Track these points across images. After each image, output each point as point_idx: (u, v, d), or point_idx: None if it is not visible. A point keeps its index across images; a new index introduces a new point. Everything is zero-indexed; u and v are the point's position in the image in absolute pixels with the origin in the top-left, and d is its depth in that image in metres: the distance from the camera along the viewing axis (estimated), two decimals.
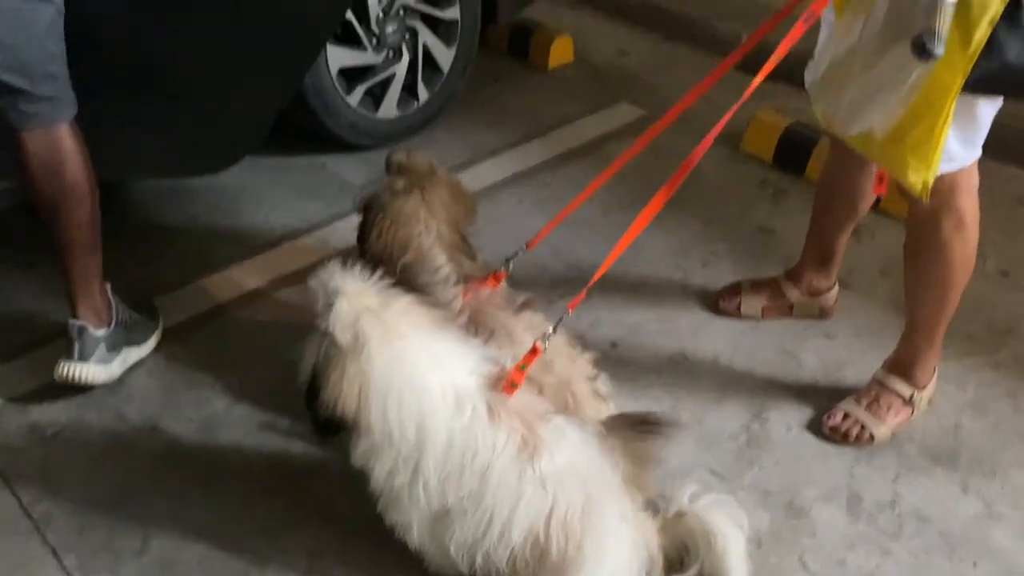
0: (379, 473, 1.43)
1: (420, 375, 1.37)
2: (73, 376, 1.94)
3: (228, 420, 1.99)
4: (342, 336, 1.35)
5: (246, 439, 1.94)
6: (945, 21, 1.34)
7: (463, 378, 1.41)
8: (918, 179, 1.55)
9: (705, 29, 3.86)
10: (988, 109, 1.62)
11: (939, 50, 1.35)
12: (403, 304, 1.43)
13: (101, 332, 1.96)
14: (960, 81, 1.43)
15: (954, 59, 1.41)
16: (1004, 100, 1.60)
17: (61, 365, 1.94)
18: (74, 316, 1.95)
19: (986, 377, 2.17)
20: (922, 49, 1.35)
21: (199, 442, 1.93)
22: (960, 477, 1.92)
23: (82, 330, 1.93)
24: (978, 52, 1.40)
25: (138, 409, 2.00)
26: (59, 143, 1.80)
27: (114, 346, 2.00)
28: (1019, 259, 2.59)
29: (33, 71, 1.72)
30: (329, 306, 1.36)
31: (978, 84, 1.46)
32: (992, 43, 1.40)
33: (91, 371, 1.95)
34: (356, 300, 1.36)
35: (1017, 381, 2.16)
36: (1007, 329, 2.32)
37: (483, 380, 1.42)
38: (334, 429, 1.40)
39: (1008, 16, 1.38)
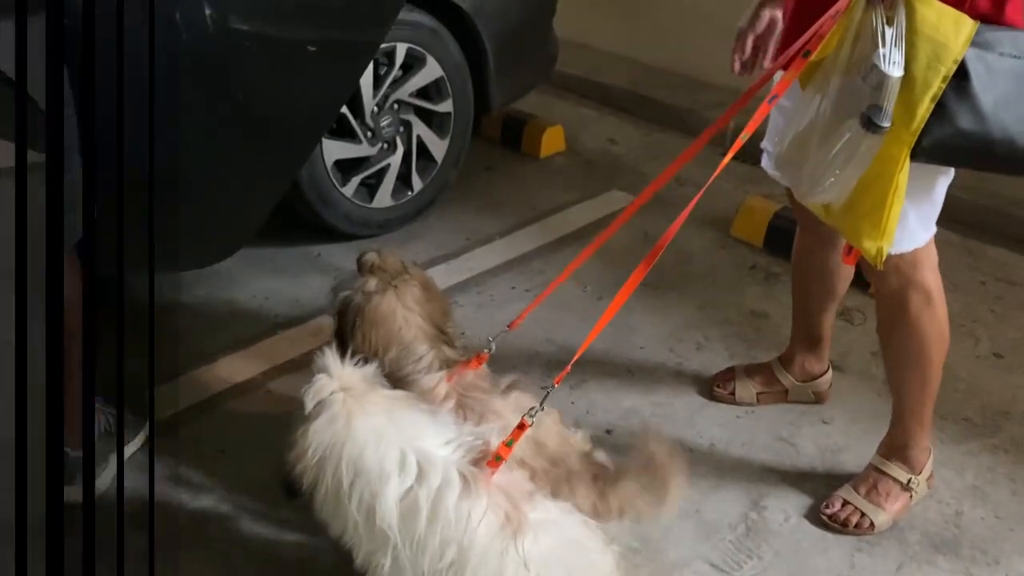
0: (347, 541, 1.45)
1: (377, 439, 1.40)
2: None
3: (217, 516, 1.95)
4: (308, 405, 1.43)
5: (236, 535, 1.91)
6: (891, 97, 1.45)
7: (434, 447, 1.42)
8: (872, 246, 1.60)
9: (692, 118, 3.96)
10: (942, 187, 1.72)
11: (885, 123, 1.46)
12: (387, 391, 1.48)
13: (80, 452, 1.93)
14: (906, 152, 1.52)
15: (899, 133, 1.50)
16: (975, 174, 1.67)
17: None
18: None
19: (985, 461, 2.15)
20: (869, 123, 1.46)
21: (187, 540, 1.89)
22: (964, 566, 1.88)
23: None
24: (921, 126, 1.49)
25: (124, 506, 1.96)
26: None
27: (99, 460, 1.97)
28: (1012, 341, 2.60)
29: None
30: (311, 382, 1.44)
31: (934, 152, 1.53)
32: (943, 111, 1.48)
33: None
34: (338, 379, 1.43)
35: (1016, 465, 2.14)
36: (1003, 412, 2.31)
37: (463, 453, 1.43)
38: (296, 490, 1.47)
39: (956, 87, 1.47)
